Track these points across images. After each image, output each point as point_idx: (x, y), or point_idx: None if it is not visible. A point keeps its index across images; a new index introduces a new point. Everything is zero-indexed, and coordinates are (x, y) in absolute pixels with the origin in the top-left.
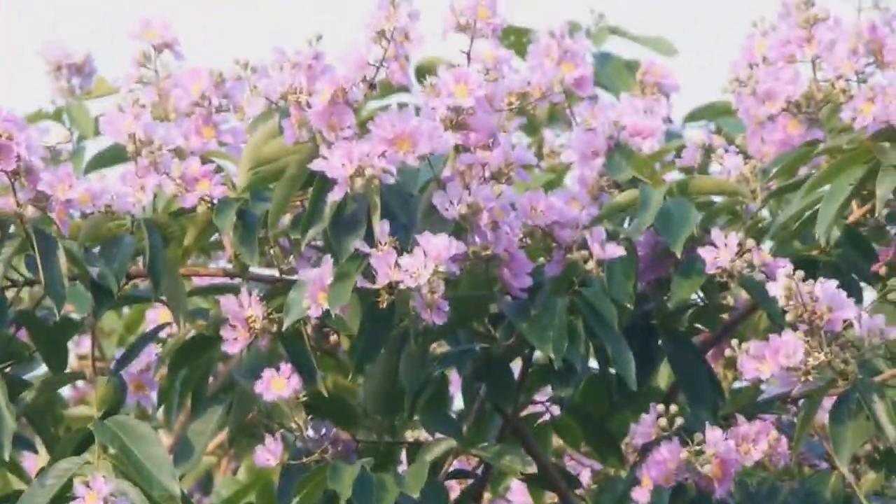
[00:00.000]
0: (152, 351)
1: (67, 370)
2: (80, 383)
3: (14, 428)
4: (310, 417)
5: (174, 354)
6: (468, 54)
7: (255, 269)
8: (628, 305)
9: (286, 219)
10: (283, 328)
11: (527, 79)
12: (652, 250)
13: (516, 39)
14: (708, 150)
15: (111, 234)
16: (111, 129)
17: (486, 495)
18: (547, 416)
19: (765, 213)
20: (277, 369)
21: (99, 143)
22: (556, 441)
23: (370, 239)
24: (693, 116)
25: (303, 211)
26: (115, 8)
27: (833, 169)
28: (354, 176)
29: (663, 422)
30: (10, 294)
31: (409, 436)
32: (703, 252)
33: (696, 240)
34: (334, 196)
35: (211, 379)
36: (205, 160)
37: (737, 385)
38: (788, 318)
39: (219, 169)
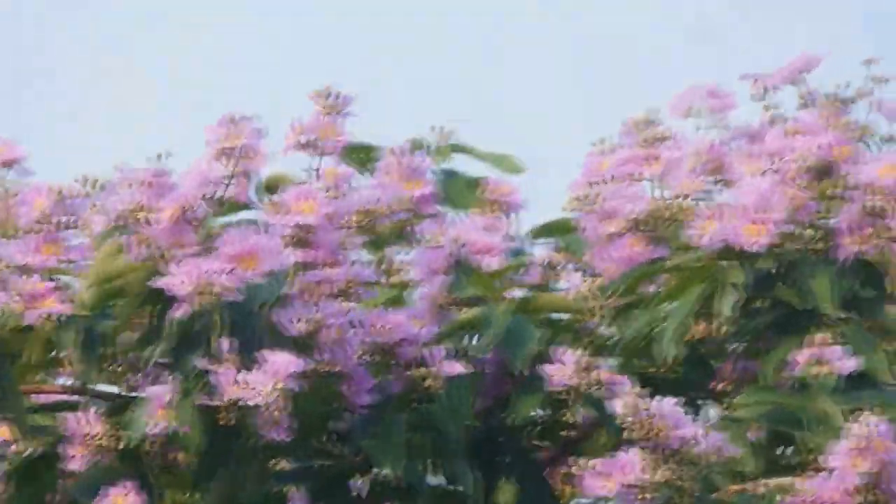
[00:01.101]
0: None
1: None
2: None
3: None
4: None
5: (16, 472)
6: (314, 171)
7: (98, 386)
8: (470, 422)
9: (130, 335)
10: (125, 445)
11: (371, 196)
12: (496, 367)
13: (361, 156)
14: (552, 267)
15: None
16: None
17: None
18: None
19: (608, 330)
20: (118, 487)
21: None
22: None
23: (214, 356)
24: (538, 233)
25: (147, 328)
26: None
27: (676, 287)
28: (198, 293)
29: None
30: None
31: None
32: (546, 369)
33: (540, 357)
34: (178, 313)
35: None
36: (49, 277)
37: (578, 502)
38: (629, 435)
39: (63, 286)
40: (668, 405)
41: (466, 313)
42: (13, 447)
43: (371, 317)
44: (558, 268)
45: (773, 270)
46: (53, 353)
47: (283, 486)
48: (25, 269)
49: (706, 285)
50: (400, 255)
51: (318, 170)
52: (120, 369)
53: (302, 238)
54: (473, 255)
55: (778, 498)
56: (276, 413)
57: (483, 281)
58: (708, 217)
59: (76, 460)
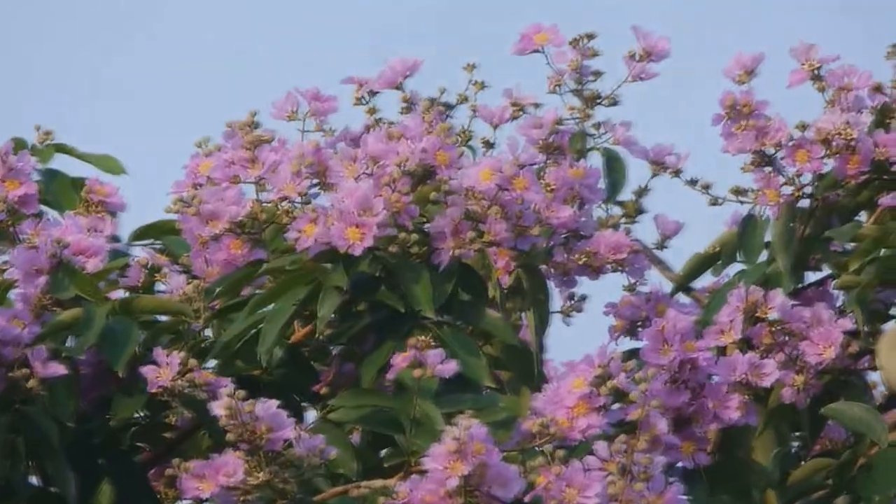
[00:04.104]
0: None
1: None
2: None
3: None
4: None
5: None
6: None
7: None
8: (70, 424)
9: None
10: None
11: None
12: (95, 369)
13: None
14: (152, 270)
15: None
16: None
17: None
18: None
19: (208, 332)
20: None
21: None
22: None
23: None
24: (139, 235)
25: None
26: None
27: (276, 289)
28: None
29: None
30: None
31: None
32: (146, 371)
33: (139, 358)
34: None
35: None
36: None
37: None
38: (229, 437)
39: None
40: (269, 407)
41: (66, 314)
42: None
43: None
44: (161, 270)
45: (375, 273)
46: None
47: None
48: None
49: (306, 288)
50: (1, 255)
51: None
52: None
53: None
54: (75, 256)
55: (378, 500)
56: None
57: (85, 281)
58: (309, 220)
59: None
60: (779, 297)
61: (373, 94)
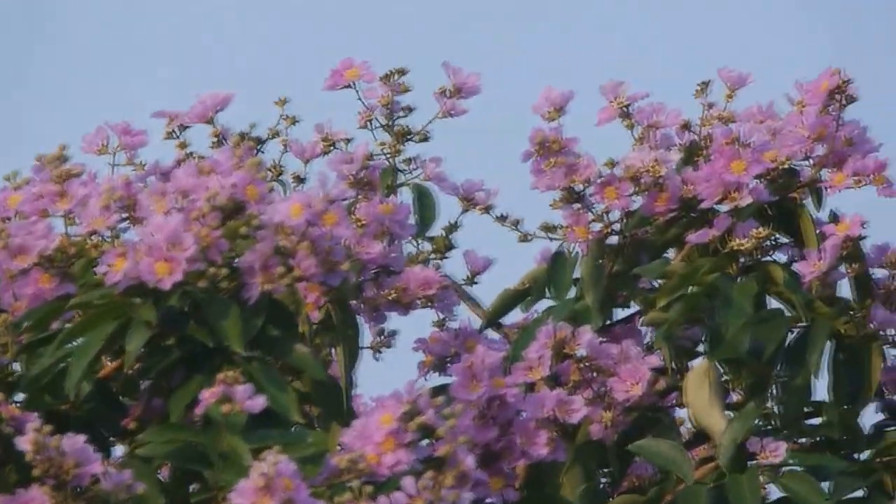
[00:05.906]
0: None
1: None
2: None
3: None
4: None
5: None
6: None
7: None
8: None
9: None
10: None
11: None
12: None
13: None
14: None
15: None
16: None
17: None
18: None
19: (16, 366)
20: None
21: None
22: None
23: None
24: None
25: None
26: None
27: (84, 323)
28: None
29: None
30: None
31: None
32: None
33: None
34: None
35: None
36: None
37: None
38: (36, 472)
39: None
40: (76, 442)
41: None
42: None
43: None
44: None
45: (184, 308)
46: None
47: None
48: None
49: (115, 322)
50: None
51: None
52: None
53: None
54: None
55: None
56: None
57: None
58: (118, 254)
59: None
60: (587, 333)
61: (184, 128)
